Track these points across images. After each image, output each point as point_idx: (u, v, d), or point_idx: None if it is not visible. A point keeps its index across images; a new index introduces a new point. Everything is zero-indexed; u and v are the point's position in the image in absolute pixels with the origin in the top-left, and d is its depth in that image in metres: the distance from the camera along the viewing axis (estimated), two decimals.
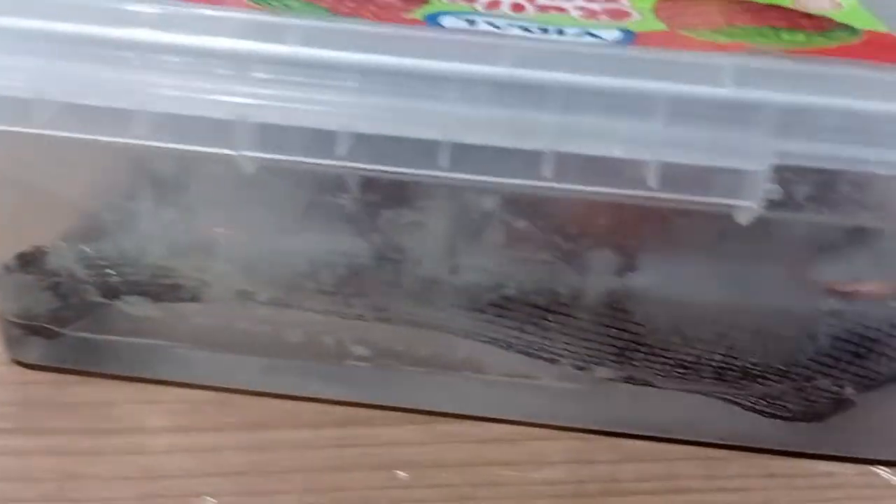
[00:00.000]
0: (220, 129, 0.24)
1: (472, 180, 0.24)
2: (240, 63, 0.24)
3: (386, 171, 0.24)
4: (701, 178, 0.23)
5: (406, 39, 0.24)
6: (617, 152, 0.23)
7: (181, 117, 0.24)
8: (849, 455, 0.30)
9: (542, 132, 0.23)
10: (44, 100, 0.24)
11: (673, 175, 0.23)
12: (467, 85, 0.23)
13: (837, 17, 0.31)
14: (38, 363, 0.32)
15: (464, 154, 0.24)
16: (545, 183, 0.23)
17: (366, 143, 0.24)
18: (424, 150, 0.23)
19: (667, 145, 0.23)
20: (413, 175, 0.24)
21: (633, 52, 0.24)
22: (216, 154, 0.24)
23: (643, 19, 0.31)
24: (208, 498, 0.28)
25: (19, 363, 0.32)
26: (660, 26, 0.30)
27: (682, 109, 0.23)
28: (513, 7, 0.32)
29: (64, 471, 0.29)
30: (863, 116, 0.23)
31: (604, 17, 0.31)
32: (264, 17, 0.25)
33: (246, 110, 0.24)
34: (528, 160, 0.23)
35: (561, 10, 0.32)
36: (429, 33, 0.24)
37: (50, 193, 0.29)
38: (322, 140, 0.24)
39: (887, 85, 0.23)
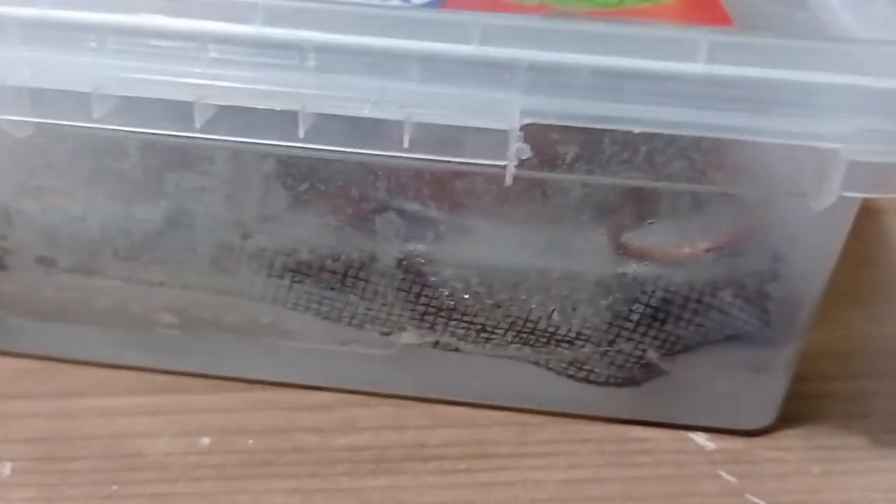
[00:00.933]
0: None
1: (227, 141, 0.23)
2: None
3: (144, 133, 0.24)
4: (454, 137, 0.23)
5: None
6: (367, 111, 0.23)
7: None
8: (665, 421, 0.30)
9: (298, 92, 0.23)
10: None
11: (426, 135, 0.23)
12: (223, 44, 0.23)
13: None
14: None
15: (221, 115, 0.23)
16: (301, 143, 0.23)
17: (123, 105, 0.23)
18: (181, 112, 0.23)
19: (419, 105, 0.23)
20: (170, 136, 0.23)
21: (383, 10, 0.23)
22: None
23: None
24: (7, 462, 0.28)
25: None
26: None
27: (434, 68, 0.23)
28: None
29: None
30: (617, 73, 0.22)
31: None
32: None
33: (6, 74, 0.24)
34: (284, 120, 0.23)
35: None
36: None
37: None
38: (81, 103, 0.23)
39: (641, 41, 0.22)
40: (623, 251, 0.27)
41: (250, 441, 0.29)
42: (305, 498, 0.27)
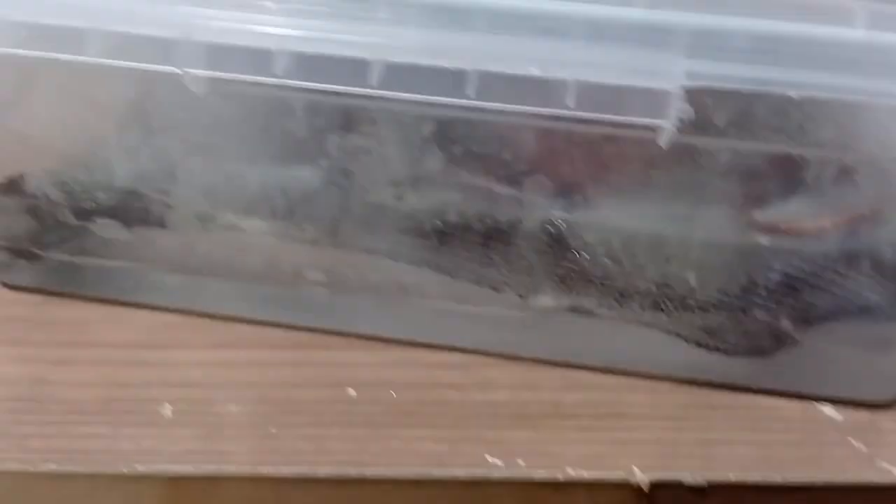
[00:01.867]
0: (166, 47, 0.25)
1: (399, 98, 0.25)
2: None
3: (319, 90, 0.25)
4: (617, 97, 0.24)
5: None
6: (535, 71, 0.24)
7: (131, 36, 0.25)
8: (793, 391, 0.31)
9: (465, 51, 0.24)
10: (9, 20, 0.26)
11: (590, 94, 0.24)
12: (396, 6, 0.24)
13: None
14: (22, 285, 0.34)
15: (393, 74, 0.25)
16: (469, 102, 0.24)
17: (303, 62, 0.25)
18: (355, 69, 0.25)
19: (583, 65, 0.24)
20: (344, 93, 0.25)
21: None
22: (165, 74, 0.26)
23: None
24: (167, 404, 0.30)
25: (5, 285, 0.34)
26: None
27: (599, 30, 0.24)
28: None
29: (35, 376, 0.31)
30: (776, 38, 0.23)
31: None
32: None
33: (190, 29, 0.25)
34: (453, 80, 0.24)
35: None
36: None
37: (27, 123, 0.31)
38: (261, 59, 0.25)
39: (800, 7, 0.23)
40: (762, 224, 0.28)
41: (393, 394, 0.30)
42: (453, 446, 0.29)
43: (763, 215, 0.28)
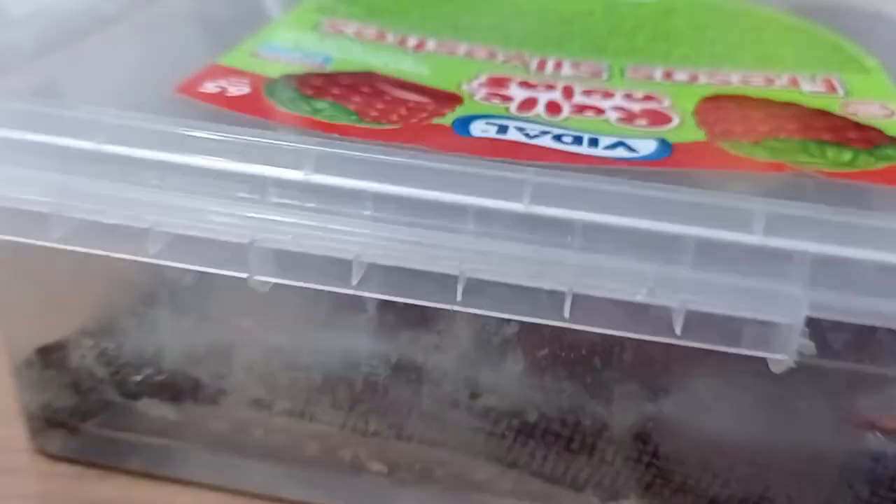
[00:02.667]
0: (234, 251, 0.24)
1: (488, 314, 0.23)
2: (256, 186, 0.24)
3: (409, 302, 0.23)
4: (730, 327, 0.22)
5: (422, 169, 0.23)
6: (640, 297, 0.22)
7: (196, 238, 0.24)
8: None
9: (562, 271, 0.22)
10: (62, 215, 0.24)
11: (699, 322, 0.22)
12: (485, 218, 0.23)
13: (888, 128, 0.30)
14: (60, 455, 0.32)
15: (480, 288, 0.23)
16: (564, 324, 0.22)
17: (380, 273, 0.23)
18: (440, 283, 0.23)
19: (693, 291, 0.22)
20: (432, 306, 0.23)
21: (660, 191, 0.22)
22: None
23: (682, 124, 0.30)
24: None
25: (42, 453, 0.32)
26: (699, 135, 0.29)
27: (711, 254, 0.22)
28: (548, 107, 0.31)
29: None
30: None
31: (642, 122, 0.30)
32: (281, 142, 0.24)
33: (260, 234, 0.23)
34: (547, 298, 0.22)
35: (599, 111, 0.31)
36: (445, 164, 0.23)
37: (71, 292, 0.29)
38: (336, 267, 0.23)
39: None
40: (875, 427, 0.26)
41: None
42: None
43: (869, 414, 0.26)
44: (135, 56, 0.32)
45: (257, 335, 0.28)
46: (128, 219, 0.24)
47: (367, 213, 0.23)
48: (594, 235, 0.22)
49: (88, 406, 0.31)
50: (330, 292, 0.26)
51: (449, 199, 0.23)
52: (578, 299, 0.22)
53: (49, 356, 0.30)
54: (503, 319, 0.26)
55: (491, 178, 0.23)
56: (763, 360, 0.23)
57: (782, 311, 0.21)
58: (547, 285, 0.22)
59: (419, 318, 0.26)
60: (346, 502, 0.30)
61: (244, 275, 0.24)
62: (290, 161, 0.23)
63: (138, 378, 0.29)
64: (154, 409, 0.30)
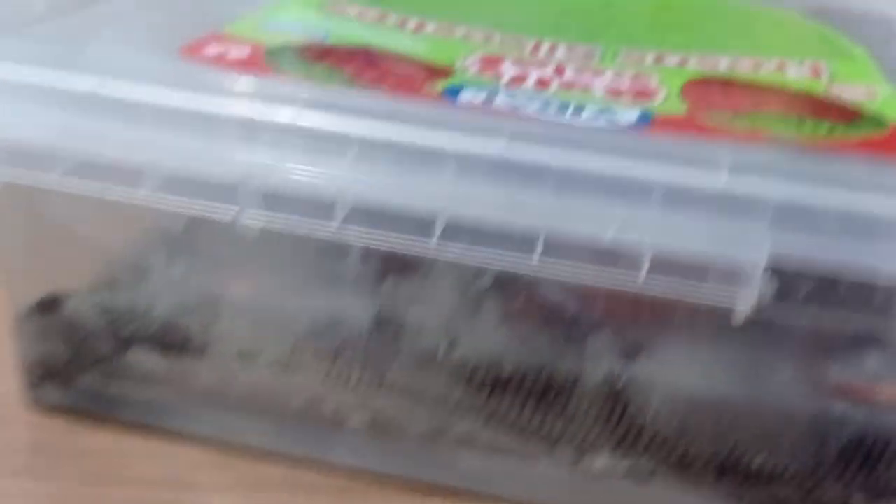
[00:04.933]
0: (224, 191, 0.24)
1: (463, 257, 0.24)
2: (247, 127, 0.25)
3: (379, 242, 0.24)
4: (695, 268, 0.23)
5: (408, 114, 0.24)
6: (609, 236, 0.23)
7: (188, 177, 0.25)
8: None
9: (535, 212, 0.23)
10: (59, 155, 0.25)
11: (666, 263, 0.23)
12: (463, 162, 0.24)
13: (869, 107, 0.31)
14: (55, 406, 0.33)
15: (457, 231, 0.24)
16: (535, 272, 0.23)
17: (362, 214, 0.24)
18: (418, 224, 0.24)
19: (661, 233, 0.23)
20: (405, 248, 0.24)
21: (630, 137, 0.23)
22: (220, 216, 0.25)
23: (667, 100, 0.31)
24: None
25: (37, 405, 0.33)
26: (680, 109, 0.30)
27: (678, 198, 0.23)
28: (537, 83, 0.32)
29: None
30: (863, 217, 0.22)
31: (627, 98, 0.31)
32: (276, 85, 0.25)
33: (250, 173, 0.24)
34: (520, 240, 0.23)
35: (587, 87, 0.32)
36: (431, 109, 0.24)
37: (69, 244, 0.30)
38: (319, 207, 0.24)
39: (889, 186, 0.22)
40: (845, 390, 0.26)
41: None
42: None
43: (838, 377, 0.27)
44: (143, 23, 0.33)
45: (244, 286, 0.29)
46: (122, 157, 0.25)
47: (349, 154, 0.24)
48: (566, 180, 0.23)
49: (84, 356, 0.31)
50: (315, 242, 0.27)
51: (428, 142, 0.24)
52: (549, 244, 0.23)
53: (48, 307, 0.31)
54: (479, 271, 0.27)
55: (471, 125, 0.24)
56: (731, 315, 0.23)
57: (745, 252, 0.22)
58: (520, 225, 0.23)
59: (399, 269, 0.27)
60: (330, 456, 0.31)
61: (234, 209, 0.24)
62: (280, 103, 0.24)
63: (132, 328, 0.30)
64: (146, 361, 0.31)
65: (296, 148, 0.24)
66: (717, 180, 0.22)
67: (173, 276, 0.29)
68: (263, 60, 0.31)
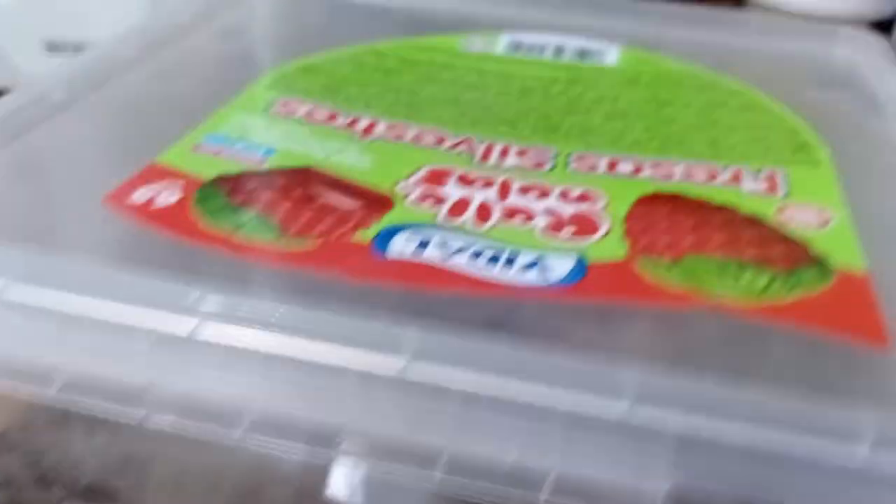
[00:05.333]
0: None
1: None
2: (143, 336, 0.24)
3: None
4: (595, 494, 0.22)
5: (311, 324, 0.24)
6: (512, 456, 0.22)
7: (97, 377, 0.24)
8: None
9: (438, 431, 0.23)
10: None
11: (568, 488, 0.22)
12: (366, 378, 0.23)
13: (817, 245, 0.30)
14: None
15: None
16: (436, 487, 0.23)
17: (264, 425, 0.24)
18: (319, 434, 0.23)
19: (562, 456, 0.22)
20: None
21: (554, 304, 0.22)
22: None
23: (608, 236, 0.30)
24: None
25: None
26: (619, 252, 0.29)
27: (579, 423, 0.22)
28: (478, 212, 0.31)
29: None
30: (769, 456, 0.21)
31: (566, 234, 0.30)
32: (185, 292, 0.24)
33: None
34: (421, 461, 0.23)
35: (529, 217, 0.31)
36: (334, 317, 0.24)
37: None
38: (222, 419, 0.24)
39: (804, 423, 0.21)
40: None
41: None
42: None
43: None
44: (71, 153, 0.33)
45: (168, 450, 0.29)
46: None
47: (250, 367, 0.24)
48: (471, 400, 0.23)
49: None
50: None
51: (332, 359, 0.23)
52: (452, 462, 0.23)
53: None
54: None
55: (373, 334, 0.23)
56: None
57: (645, 485, 0.22)
58: (422, 443, 0.23)
59: None
60: None
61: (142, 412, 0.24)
62: (184, 311, 0.24)
63: (60, 485, 0.30)
64: None
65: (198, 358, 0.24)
66: (620, 408, 0.22)
67: (97, 438, 0.29)
68: (192, 205, 0.30)
